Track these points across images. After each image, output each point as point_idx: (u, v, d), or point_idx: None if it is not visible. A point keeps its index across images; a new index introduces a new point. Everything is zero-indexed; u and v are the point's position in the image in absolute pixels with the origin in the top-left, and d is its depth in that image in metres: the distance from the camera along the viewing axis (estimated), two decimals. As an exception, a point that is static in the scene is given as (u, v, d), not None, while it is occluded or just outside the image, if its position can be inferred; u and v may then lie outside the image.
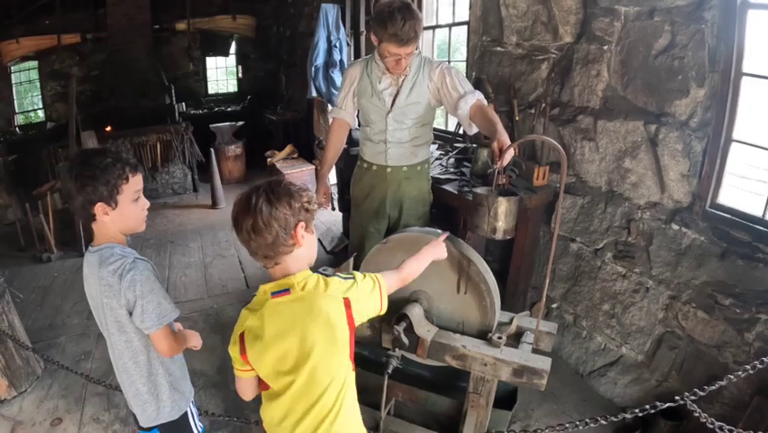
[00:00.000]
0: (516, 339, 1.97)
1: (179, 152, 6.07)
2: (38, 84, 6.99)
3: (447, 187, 2.81)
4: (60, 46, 6.47)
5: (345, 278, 1.30)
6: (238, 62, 8.36)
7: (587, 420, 1.66)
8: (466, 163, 3.13)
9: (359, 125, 2.64)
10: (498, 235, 1.78)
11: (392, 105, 2.35)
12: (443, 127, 4.02)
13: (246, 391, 1.35)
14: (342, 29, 4.88)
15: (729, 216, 2.09)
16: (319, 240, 4.41)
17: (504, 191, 1.83)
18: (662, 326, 2.39)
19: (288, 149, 6.65)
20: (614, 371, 2.62)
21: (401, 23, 2.05)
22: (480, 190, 1.84)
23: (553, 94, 2.79)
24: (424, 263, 1.58)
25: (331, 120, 2.63)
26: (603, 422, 1.63)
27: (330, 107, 5.01)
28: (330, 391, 1.23)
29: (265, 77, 8.28)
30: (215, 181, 5.74)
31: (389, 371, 1.85)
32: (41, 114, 7.18)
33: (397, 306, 1.84)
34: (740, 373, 1.50)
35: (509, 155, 1.77)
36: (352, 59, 4.99)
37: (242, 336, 1.24)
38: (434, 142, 2.94)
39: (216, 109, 7.84)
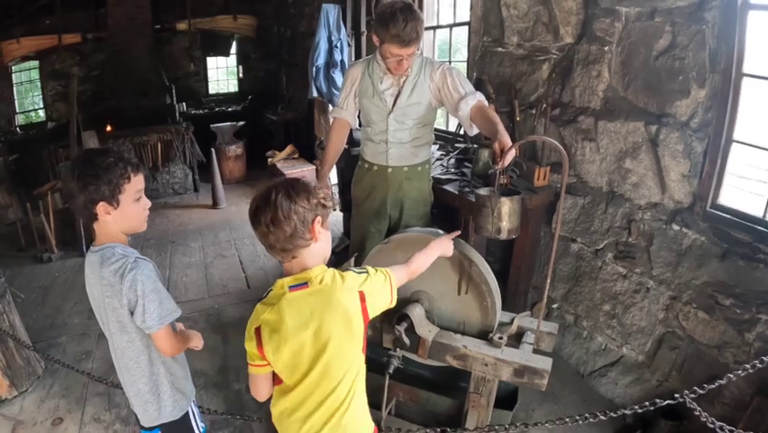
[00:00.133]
0: (516, 339, 1.98)
1: (180, 152, 6.07)
2: (38, 84, 6.99)
3: (448, 187, 2.81)
4: (61, 46, 6.47)
5: (359, 272, 1.33)
6: (239, 62, 8.36)
7: (586, 414, 1.66)
8: (467, 164, 3.13)
9: (360, 125, 2.65)
10: (503, 235, 1.79)
11: (393, 105, 2.36)
12: (443, 128, 4.02)
13: (261, 389, 1.36)
14: (342, 29, 4.89)
15: (730, 216, 2.09)
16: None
17: (506, 191, 1.84)
18: (662, 326, 2.39)
19: (289, 149, 6.66)
20: (614, 371, 2.62)
21: (403, 25, 2.06)
22: (482, 191, 1.85)
23: (554, 94, 2.79)
24: (431, 258, 1.62)
25: (332, 120, 2.63)
26: (602, 417, 1.63)
27: (331, 107, 5.01)
28: (343, 384, 1.26)
29: (266, 77, 8.28)
30: (216, 181, 5.74)
31: (390, 371, 1.86)
32: (41, 113, 7.18)
33: (399, 306, 1.84)
34: (740, 371, 1.50)
35: (511, 156, 1.77)
36: (353, 59, 5.00)
37: (257, 330, 1.25)
38: (434, 143, 2.94)
39: (217, 109, 7.84)
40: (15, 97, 6.92)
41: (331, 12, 4.81)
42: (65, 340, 3.19)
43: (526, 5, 2.85)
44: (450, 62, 3.87)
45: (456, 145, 3.38)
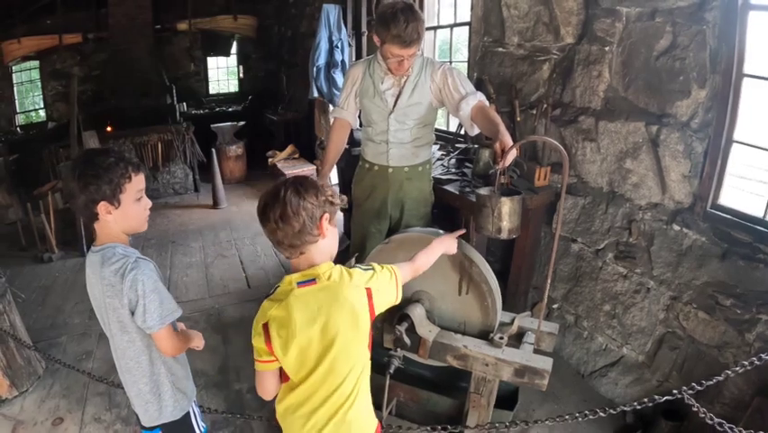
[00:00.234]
0: (517, 339, 1.98)
1: (180, 152, 6.08)
2: (39, 84, 7.00)
3: (449, 187, 2.81)
4: (62, 46, 6.47)
5: (365, 269, 1.35)
6: (239, 62, 8.36)
7: (586, 412, 1.66)
8: (467, 164, 3.13)
9: (360, 126, 2.65)
10: (504, 235, 1.79)
11: (394, 105, 2.36)
12: (444, 128, 4.02)
13: (268, 387, 1.36)
14: (343, 29, 4.89)
15: (730, 216, 2.09)
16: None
17: (507, 191, 1.84)
18: (662, 326, 2.39)
19: (290, 149, 6.67)
20: (615, 371, 2.62)
21: (404, 25, 2.06)
22: (483, 191, 1.85)
23: (555, 94, 2.79)
24: (435, 256, 1.63)
25: (332, 120, 2.63)
26: (602, 414, 1.63)
27: (331, 108, 5.01)
28: (348, 380, 1.27)
29: (266, 77, 8.29)
30: (217, 181, 5.75)
31: (391, 371, 1.86)
32: (42, 113, 7.18)
33: (399, 306, 1.85)
34: (738, 369, 1.50)
35: (511, 156, 1.77)
36: (354, 59, 5.00)
37: (265, 326, 1.26)
38: (435, 143, 2.94)
39: (217, 109, 7.84)
40: (16, 97, 6.93)
41: (331, 12, 4.82)
42: (65, 340, 3.19)
43: (527, 6, 2.85)
44: (450, 62, 3.87)
45: (457, 145, 3.38)
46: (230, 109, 7.83)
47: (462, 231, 1.81)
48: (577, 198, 2.75)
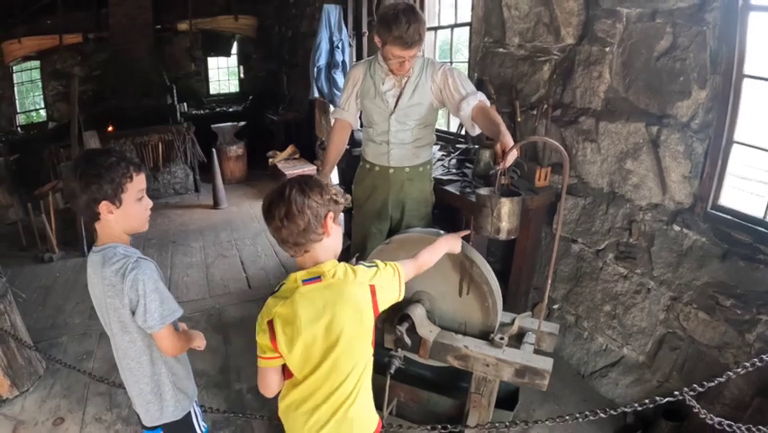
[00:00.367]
0: (517, 340, 1.98)
1: (181, 153, 6.08)
2: (40, 84, 7.01)
3: (449, 188, 2.81)
4: (62, 46, 6.48)
5: (369, 266, 1.37)
6: (240, 62, 8.37)
7: (586, 412, 1.66)
8: (468, 164, 3.13)
9: (361, 126, 2.65)
10: (502, 236, 1.79)
11: (395, 106, 2.36)
12: (445, 128, 4.03)
13: (270, 384, 1.36)
14: (344, 30, 4.89)
15: (730, 217, 2.09)
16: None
17: (507, 192, 1.84)
18: (663, 326, 2.40)
19: (290, 149, 6.67)
20: (615, 372, 2.62)
21: (406, 27, 2.06)
22: (483, 191, 1.85)
23: (555, 95, 2.79)
24: (438, 254, 1.65)
25: (333, 121, 2.63)
26: (602, 415, 1.63)
27: (332, 108, 5.02)
28: (351, 377, 1.29)
29: (267, 77, 8.29)
30: (217, 181, 5.75)
31: (392, 371, 1.86)
32: (42, 113, 7.19)
33: (400, 306, 1.85)
34: (739, 370, 1.50)
35: (512, 156, 1.78)
36: (355, 59, 5.00)
37: (270, 323, 1.27)
38: (436, 143, 2.95)
39: (218, 109, 7.85)
40: (16, 97, 6.94)
41: (332, 12, 4.82)
42: (66, 340, 3.19)
43: (528, 6, 2.86)
44: (451, 63, 3.88)
45: (457, 146, 3.39)
46: (230, 109, 7.84)
47: (467, 231, 1.82)
48: (577, 198, 2.75)
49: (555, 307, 2.95)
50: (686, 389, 1.51)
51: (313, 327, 1.24)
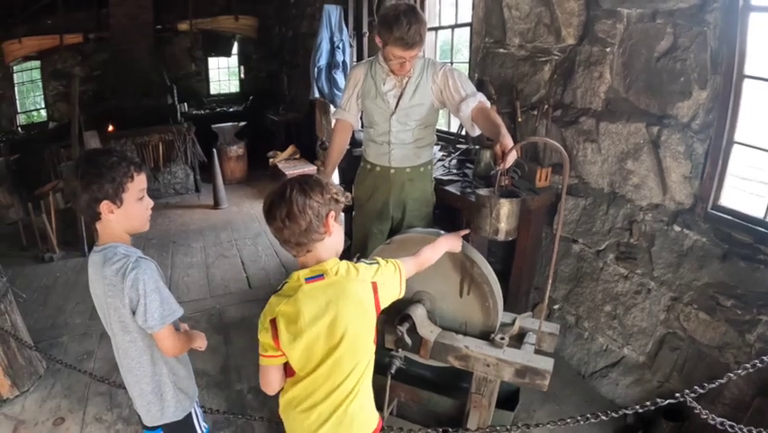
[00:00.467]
0: (518, 340, 1.98)
1: (181, 153, 6.09)
2: (40, 84, 7.01)
3: (450, 188, 2.81)
4: (63, 46, 6.49)
5: (370, 263, 1.38)
6: (240, 63, 8.37)
7: (587, 415, 1.66)
8: (469, 165, 3.13)
9: (362, 127, 2.65)
10: (501, 236, 1.79)
11: (396, 106, 2.36)
12: (445, 129, 4.03)
13: (272, 382, 1.36)
14: (344, 30, 4.89)
15: (731, 217, 2.09)
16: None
17: (506, 192, 1.84)
18: (663, 327, 2.40)
19: (291, 149, 6.68)
20: (615, 372, 2.62)
21: (407, 27, 2.06)
22: (482, 192, 1.85)
23: (556, 95, 2.79)
24: (439, 253, 1.66)
25: (334, 122, 2.64)
26: (603, 417, 1.64)
27: (332, 108, 5.02)
28: (352, 375, 1.29)
29: (267, 77, 8.30)
30: (218, 182, 5.75)
31: (392, 371, 1.86)
32: (43, 113, 7.20)
33: (401, 306, 1.85)
34: (740, 371, 1.51)
35: (512, 157, 1.78)
36: (355, 60, 5.00)
37: (273, 321, 1.27)
38: (436, 144, 2.95)
39: (218, 109, 7.86)
40: (17, 97, 6.94)
41: (333, 12, 4.82)
42: (66, 340, 3.19)
43: (528, 7, 2.86)
44: (452, 63, 3.88)
45: (458, 146, 3.39)
46: (231, 109, 7.85)
47: (467, 231, 1.83)
48: (578, 198, 2.75)
49: (556, 307, 2.95)
50: (687, 391, 1.51)
51: (316, 325, 1.24)
